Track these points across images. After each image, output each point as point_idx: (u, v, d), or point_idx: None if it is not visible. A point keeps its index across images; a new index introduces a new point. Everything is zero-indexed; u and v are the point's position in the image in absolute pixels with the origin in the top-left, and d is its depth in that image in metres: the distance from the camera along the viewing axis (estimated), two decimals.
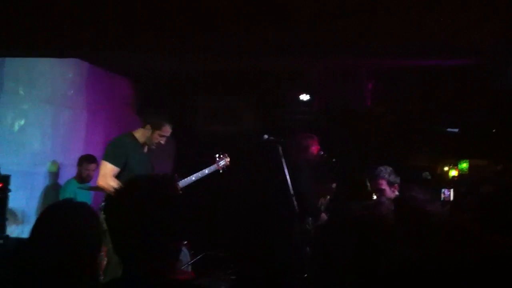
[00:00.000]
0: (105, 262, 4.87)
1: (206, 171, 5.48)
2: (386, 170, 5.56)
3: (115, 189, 2.06)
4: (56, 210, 2.37)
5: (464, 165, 7.80)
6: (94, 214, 2.38)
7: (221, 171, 5.61)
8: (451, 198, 5.72)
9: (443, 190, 5.75)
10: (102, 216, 4.70)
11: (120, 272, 1.97)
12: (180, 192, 5.14)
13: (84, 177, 6.51)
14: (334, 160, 6.30)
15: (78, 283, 2.18)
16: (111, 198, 2.04)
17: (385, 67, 6.98)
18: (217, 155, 5.62)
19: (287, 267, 4.91)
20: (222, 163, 5.64)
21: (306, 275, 4.49)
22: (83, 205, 2.47)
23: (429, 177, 7.07)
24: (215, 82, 7.76)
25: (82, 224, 2.26)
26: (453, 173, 7.88)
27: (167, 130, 5.14)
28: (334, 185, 6.50)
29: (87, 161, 6.54)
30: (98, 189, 5.18)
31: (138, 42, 5.94)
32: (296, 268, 4.86)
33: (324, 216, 6.10)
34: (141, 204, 1.92)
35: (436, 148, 7.83)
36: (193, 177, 5.29)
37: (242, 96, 7.99)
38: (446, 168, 8.04)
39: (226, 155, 5.69)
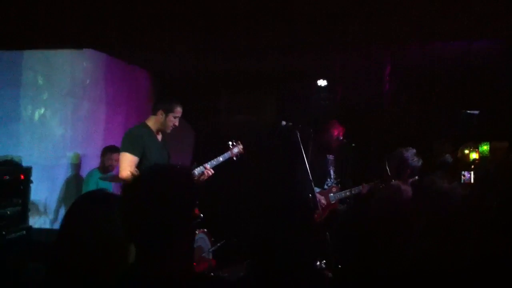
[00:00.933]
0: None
1: (221, 158, 5.47)
2: (407, 152, 5.52)
3: (131, 178, 2.05)
4: (86, 201, 2.34)
5: (485, 148, 7.70)
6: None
7: (235, 158, 5.59)
8: (472, 180, 5.66)
9: (463, 172, 5.69)
10: None
11: None
12: (210, 174, 5.17)
13: (107, 166, 6.58)
14: (353, 145, 6.27)
15: (110, 273, 2.15)
16: (127, 187, 2.05)
17: (406, 52, 6.93)
18: (230, 143, 5.61)
19: (305, 252, 4.91)
20: (235, 150, 5.63)
21: (324, 261, 4.48)
22: (112, 195, 2.41)
23: (450, 160, 7.01)
24: (236, 72, 7.77)
25: (113, 214, 2.18)
26: (474, 155, 7.78)
27: (179, 110, 5.19)
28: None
29: (110, 151, 6.61)
30: (117, 180, 5.23)
31: (158, 37, 5.99)
32: (315, 252, 4.85)
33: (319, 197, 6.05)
34: (156, 194, 1.91)
35: (457, 130, 7.75)
36: (207, 165, 5.29)
37: (263, 84, 7.99)
38: (466, 151, 7.93)
39: (239, 142, 5.67)
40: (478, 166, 6.82)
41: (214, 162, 5.39)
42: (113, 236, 2.15)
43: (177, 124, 5.22)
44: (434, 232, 2.78)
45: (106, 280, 2.09)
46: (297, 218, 5.52)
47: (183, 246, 1.94)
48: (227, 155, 5.56)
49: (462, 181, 5.60)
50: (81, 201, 2.33)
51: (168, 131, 5.20)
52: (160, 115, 5.18)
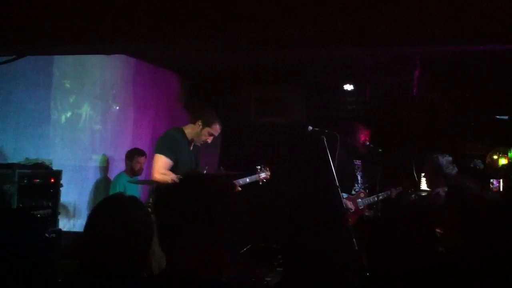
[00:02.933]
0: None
1: (247, 180, 5.52)
2: (443, 159, 5.47)
3: (168, 183, 2.10)
4: (108, 205, 2.40)
5: None
6: (144, 207, 2.40)
7: (260, 183, 5.64)
8: (501, 188, 5.59)
9: (492, 180, 5.61)
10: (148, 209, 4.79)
11: (164, 264, 2.04)
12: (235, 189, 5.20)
13: (136, 170, 6.63)
14: (380, 150, 6.23)
15: (131, 275, 2.21)
16: (163, 192, 2.11)
17: (436, 55, 6.86)
18: (258, 167, 5.66)
19: (334, 259, 4.89)
20: (262, 175, 5.70)
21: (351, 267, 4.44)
22: (133, 198, 2.48)
23: (481, 166, 6.94)
24: (262, 74, 7.77)
25: (134, 218, 2.28)
26: (503, 161, 7.68)
27: (217, 129, 5.16)
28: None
29: (138, 154, 6.66)
30: (148, 182, 5.25)
31: (185, 37, 6.01)
32: (343, 261, 4.83)
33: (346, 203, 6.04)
34: (192, 200, 1.97)
35: (487, 136, 7.66)
36: (235, 182, 5.31)
37: (289, 88, 7.98)
38: (495, 157, 7.84)
39: (268, 168, 5.73)
40: (507, 172, 6.73)
41: (240, 181, 5.41)
42: (132, 237, 2.20)
43: (209, 141, 5.20)
44: (467, 232, 2.78)
45: (127, 279, 2.14)
46: (324, 224, 5.49)
47: (211, 254, 1.99)
48: (254, 177, 5.62)
49: (490, 189, 5.54)
50: (102, 205, 2.39)
51: (199, 144, 5.19)
52: (198, 126, 5.16)
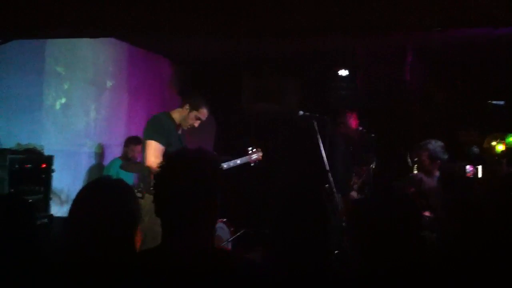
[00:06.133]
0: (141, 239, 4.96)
1: (238, 161, 5.43)
2: (432, 143, 5.45)
3: (161, 164, 2.13)
4: (93, 188, 2.39)
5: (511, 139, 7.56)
6: (130, 190, 2.40)
7: (252, 164, 5.58)
8: (479, 175, 5.56)
9: (466, 166, 5.58)
10: (138, 194, 4.76)
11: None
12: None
13: (130, 157, 6.63)
14: (373, 135, 6.20)
15: (117, 258, 2.19)
16: (160, 173, 2.11)
17: (428, 41, 6.82)
18: (250, 148, 5.59)
19: (320, 244, 4.91)
20: (254, 157, 5.61)
21: (336, 251, 4.46)
22: (119, 181, 2.46)
23: (478, 152, 6.91)
24: (257, 62, 7.74)
25: (120, 200, 2.28)
26: (500, 147, 7.64)
27: (204, 113, 5.09)
28: (372, 166, 6.42)
29: (134, 143, 6.64)
30: (140, 169, 5.19)
31: (178, 23, 5.97)
32: (329, 245, 4.85)
33: (353, 194, 6.05)
34: (189, 177, 2.01)
35: (484, 122, 7.62)
36: (224, 165, 5.25)
37: (284, 74, 7.95)
38: (493, 143, 7.79)
39: (260, 149, 5.64)
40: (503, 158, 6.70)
41: (231, 163, 5.36)
42: (118, 220, 2.21)
43: (196, 125, 5.13)
44: (461, 217, 2.79)
45: (113, 263, 2.14)
46: (311, 211, 5.52)
47: (207, 228, 2.05)
48: (245, 159, 5.52)
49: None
50: (88, 188, 2.38)
51: (186, 128, 5.12)
52: (185, 110, 5.09)
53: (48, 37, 5.83)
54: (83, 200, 2.32)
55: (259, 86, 8.18)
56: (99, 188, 2.38)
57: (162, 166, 2.12)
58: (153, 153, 4.79)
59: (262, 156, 5.61)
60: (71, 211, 2.31)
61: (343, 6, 4.67)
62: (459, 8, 4.90)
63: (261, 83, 8.15)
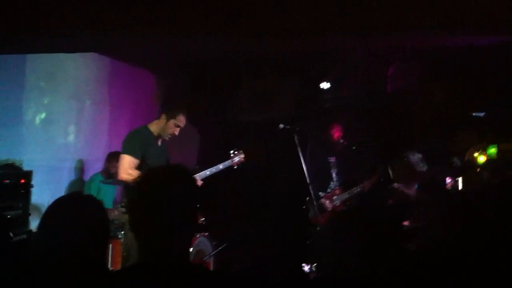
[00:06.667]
0: (125, 254, 4.95)
1: (221, 166, 5.46)
2: (411, 155, 5.49)
3: (135, 179, 2.16)
4: (63, 204, 2.41)
5: (493, 150, 7.62)
6: (100, 207, 2.43)
7: (235, 167, 5.58)
8: (459, 186, 5.59)
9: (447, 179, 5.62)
10: (121, 209, 4.77)
11: None
12: (199, 183, 5.15)
13: (112, 173, 6.58)
14: (354, 148, 6.23)
15: (87, 274, 2.22)
16: (133, 189, 2.17)
17: (412, 51, 6.86)
18: (231, 151, 5.59)
19: (300, 256, 4.91)
20: (236, 159, 5.61)
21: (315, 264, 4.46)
22: (89, 197, 2.58)
23: (459, 163, 6.95)
24: (240, 73, 7.75)
25: (89, 217, 2.32)
26: (482, 158, 7.69)
27: (182, 119, 5.13)
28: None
29: (116, 159, 6.59)
30: (118, 182, 5.23)
31: (159, 36, 5.98)
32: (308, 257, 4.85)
33: (324, 202, 6.04)
34: (160, 193, 2.03)
35: (466, 133, 7.66)
36: (207, 172, 5.28)
37: (268, 86, 7.96)
38: (475, 154, 7.84)
39: (241, 151, 5.65)
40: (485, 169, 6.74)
41: (213, 169, 5.37)
42: (87, 236, 2.26)
43: (176, 133, 5.16)
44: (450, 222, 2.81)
45: (83, 277, 2.18)
46: (292, 221, 5.52)
47: (181, 244, 2.07)
48: (227, 163, 5.54)
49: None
50: (57, 204, 2.39)
51: (167, 138, 5.16)
52: (162, 120, 5.14)
53: (30, 52, 5.82)
54: (53, 214, 2.34)
55: (245, 96, 8.17)
56: (70, 203, 2.42)
57: (136, 183, 2.14)
58: (126, 165, 4.88)
59: (244, 158, 5.60)
60: (41, 224, 2.34)
61: (341, 6, 4.70)
62: (437, 17, 4.96)
63: (247, 94, 8.14)
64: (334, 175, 6.49)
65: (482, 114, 7.18)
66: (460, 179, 5.57)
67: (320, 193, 6.04)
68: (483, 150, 7.59)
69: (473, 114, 7.22)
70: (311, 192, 5.02)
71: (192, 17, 5.35)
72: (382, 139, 7.14)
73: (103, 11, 5.03)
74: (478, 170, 6.78)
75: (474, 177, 5.97)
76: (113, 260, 5.08)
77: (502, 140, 7.39)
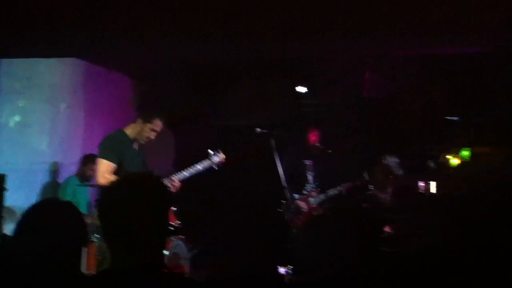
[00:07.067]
0: (99, 257, 4.91)
1: (199, 167, 5.37)
2: (386, 159, 5.55)
3: (105, 186, 2.13)
4: (39, 209, 2.41)
5: (466, 153, 7.72)
6: (76, 211, 2.43)
7: (216, 168, 5.47)
8: (433, 190, 5.67)
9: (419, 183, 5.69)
10: (96, 212, 4.73)
11: None
12: (178, 186, 5.12)
13: (87, 176, 6.54)
14: (330, 151, 6.28)
15: (61, 278, 2.22)
16: (103, 194, 2.17)
17: (386, 56, 6.94)
18: (210, 151, 5.51)
19: (278, 259, 4.93)
20: (216, 159, 5.47)
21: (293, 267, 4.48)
22: (65, 203, 2.53)
23: (433, 166, 7.03)
24: (217, 77, 7.75)
25: (64, 221, 2.32)
26: (455, 161, 7.80)
27: (158, 124, 5.08)
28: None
29: (92, 162, 6.55)
30: (96, 186, 5.18)
31: (135, 40, 5.96)
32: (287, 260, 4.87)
33: (299, 203, 6.09)
34: (129, 200, 2.04)
35: (440, 137, 7.76)
36: (185, 173, 5.22)
37: (242, 90, 7.97)
38: (448, 157, 7.95)
39: (220, 151, 5.52)
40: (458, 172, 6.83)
41: (192, 170, 5.29)
42: (62, 240, 2.26)
43: (152, 137, 5.11)
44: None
45: (58, 281, 2.18)
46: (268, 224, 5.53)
47: (153, 249, 2.06)
48: (206, 164, 5.41)
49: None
50: (33, 209, 2.38)
51: (143, 142, 5.11)
52: (138, 124, 5.09)
53: (6, 57, 5.78)
54: (29, 219, 2.33)
55: (220, 101, 8.17)
56: (46, 208, 2.41)
57: (103, 190, 2.14)
58: (104, 170, 4.84)
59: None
60: (17, 229, 2.32)
61: (309, 15, 4.73)
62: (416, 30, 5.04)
63: (224, 98, 8.14)
64: (310, 177, 6.53)
65: (456, 119, 7.28)
66: (432, 183, 5.63)
67: (296, 195, 6.07)
68: (456, 153, 7.70)
69: (448, 118, 7.31)
70: (287, 195, 5.03)
71: (171, 20, 5.37)
72: (359, 143, 7.21)
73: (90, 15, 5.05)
74: (451, 171, 6.87)
75: (448, 180, 6.05)
76: (88, 263, 5.03)
77: (476, 144, 7.52)
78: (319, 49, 6.09)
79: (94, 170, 6.42)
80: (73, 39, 5.65)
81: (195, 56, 6.25)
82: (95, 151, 6.65)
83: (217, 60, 6.93)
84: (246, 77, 7.56)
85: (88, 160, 6.58)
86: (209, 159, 5.44)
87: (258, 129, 5.39)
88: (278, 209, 5.12)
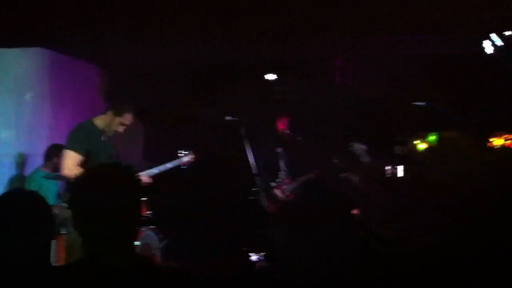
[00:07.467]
0: (68, 249, 4.86)
1: (169, 165, 5.44)
2: (354, 146, 5.61)
3: (76, 177, 2.19)
4: (5, 200, 2.39)
5: (433, 138, 7.79)
6: (44, 202, 2.41)
7: (185, 167, 5.55)
8: (399, 174, 5.73)
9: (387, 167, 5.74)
10: (63, 204, 4.68)
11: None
12: (147, 181, 5.13)
13: (55, 167, 6.41)
14: (299, 138, 6.30)
15: (30, 270, 2.21)
16: (73, 185, 2.18)
17: (358, 43, 6.98)
18: (181, 151, 5.56)
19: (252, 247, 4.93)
20: (185, 159, 5.61)
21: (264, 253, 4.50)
22: (33, 193, 2.51)
23: (401, 152, 7.09)
24: (186, 65, 7.69)
25: (32, 213, 2.30)
26: (422, 146, 7.87)
27: (128, 118, 5.06)
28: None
29: (59, 153, 6.43)
30: (63, 178, 5.12)
31: (103, 27, 5.88)
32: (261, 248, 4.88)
33: (277, 193, 6.12)
34: (100, 191, 2.04)
35: (407, 122, 7.84)
36: (155, 170, 5.25)
37: (217, 77, 7.95)
38: (415, 142, 8.01)
39: (191, 152, 5.64)
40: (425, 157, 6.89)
41: (162, 168, 5.34)
42: (31, 232, 2.26)
43: (120, 130, 5.08)
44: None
45: (27, 273, 2.18)
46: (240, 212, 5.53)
47: (126, 239, 2.08)
48: (176, 162, 5.53)
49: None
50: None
51: (109, 134, 5.07)
52: (108, 116, 5.05)
53: None
54: None
55: (191, 90, 8.12)
56: (12, 199, 2.39)
57: (75, 180, 2.16)
58: (70, 161, 4.82)
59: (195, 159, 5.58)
60: None
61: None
62: (382, 17, 5.09)
63: (194, 87, 8.09)
64: (283, 165, 6.55)
65: (424, 104, 7.36)
66: (399, 167, 5.69)
67: (272, 183, 6.11)
68: (424, 138, 7.77)
69: (416, 104, 7.39)
70: (259, 183, 5.04)
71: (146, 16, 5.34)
72: (328, 130, 7.25)
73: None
74: (418, 157, 6.94)
75: (414, 165, 6.11)
76: (57, 255, 4.97)
77: (443, 128, 7.60)
78: (318, 49, 6.16)
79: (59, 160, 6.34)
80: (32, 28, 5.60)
81: (194, 56, 6.21)
82: (62, 141, 6.57)
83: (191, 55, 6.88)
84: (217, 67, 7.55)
85: (55, 151, 6.46)
86: (179, 159, 5.55)
87: (228, 117, 5.38)
88: (250, 197, 5.12)
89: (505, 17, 5.23)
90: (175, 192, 6.99)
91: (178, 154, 5.58)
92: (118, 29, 5.95)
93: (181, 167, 5.59)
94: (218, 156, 7.04)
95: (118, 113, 5.00)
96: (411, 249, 2.59)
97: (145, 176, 5.18)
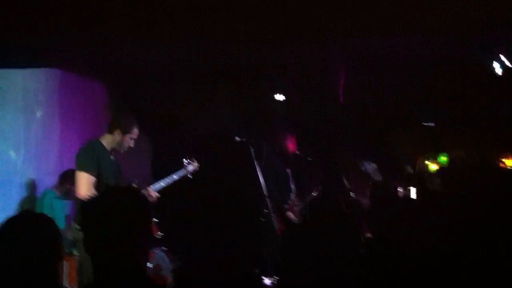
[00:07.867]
0: (79, 270, 4.84)
1: (175, 176, 5.38)
2: (365, 165, 5.58)
3: (88, 199, 2.21)
4: (14, 223, 2.42)
5: (444, 158, 7.81)
6: (52, 224, 2.45)
7: (190, 176, 5.51)
8: (413, 196, 5.72)
9: (398, 188, 5.73)
10: (75, 226, 4.66)
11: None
12: (155, 197, 5.10)
13: (66, 190, 6.38)
14: (309, 159, 6.29)
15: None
16: (86, 207, 2.17)
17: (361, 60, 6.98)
18: (184, 160, 5.51)
19: (263, 270, 4.90)
20: (190, 168, 5.54)
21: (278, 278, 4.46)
22: (41, 216, 2.54)
23: (411, 171, 7.09)
24: (192, 82, 7.72)
25: (41, 235, 2.35)
26: (434, 166, 7.89)
27: (136, 132, 5.05)
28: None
29: (72, 177, 6.40)
30: (75, 198, 5.08)
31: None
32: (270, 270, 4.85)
33: (289, 215, 6.10)
34: (112, 213, 2.07)
35: (418, 142, 7.83)
36: (162, 183, 5.21)
37: (219, 96, 7.95)
38: (427, 162, 8.04)
39: (194, 159, 5.57)
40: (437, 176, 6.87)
41: (168, 180, 5.29)
42: (40, 253, 2.31)
43: (132, 145, 5.10)
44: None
45: None
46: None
47: (137, 261, 2.09)
48: (181, 172, 5.45)
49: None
50: (9, 223, 2.41)
51: (122, 151, 5.08)
52: (117, 135, 5.03)
53: None
54: (3, 234, 2.37)
55: (194, 104, 8.13)
56: (22, 222, 2.43)
57: (87, 203, 2.19)
58: (85, 183, 4.72)
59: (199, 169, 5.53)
60: None
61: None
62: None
63: (196, 102, 8.10)
64: (292, 186, 6.53)
65: (432, 124, 7.36)
66: (412, 189, 5.68)
67: (286, 206, 6.11)
68: (434, 159, 7.77)
69: (424, 124, 7.39)
70: (269, 204, 5.02)
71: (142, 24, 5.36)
72: (337, 148, 7.23)
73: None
74: (430, 177, 6.92)
75: (428, 186, 6.10)
76: (68, 276, 4.96)
77: (451, 149, 7.60)
78: (317, 50, 6.16)
79: (72, 185, 6.31)
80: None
81: (193, 56, 6.22)
82: (71, 158, 6.58)
83: (197, 65, 6.90)
84: (223, 83, 7.56)
85: (68, 176, 6.44)
86: (184, 168, 5.48)
87: (238, 138, 5.37)
88: (261, 219, 5.10)
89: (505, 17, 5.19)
90: (186, 213, 6.97)
91: (184, 163, 5.50)
92: (124, 46, 6.00)
93: (188, 177, 5.52)
94: (225, 169, 7.00)
95: (127, 130, 5.00)
96: (411, 249, 2.60)
97: (152, 191, 5.15)
